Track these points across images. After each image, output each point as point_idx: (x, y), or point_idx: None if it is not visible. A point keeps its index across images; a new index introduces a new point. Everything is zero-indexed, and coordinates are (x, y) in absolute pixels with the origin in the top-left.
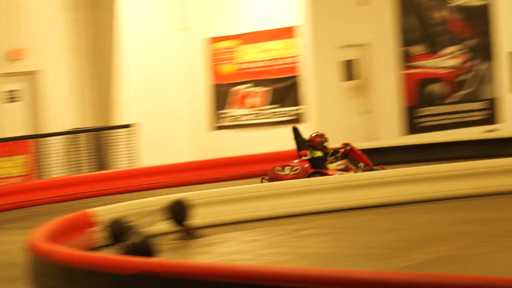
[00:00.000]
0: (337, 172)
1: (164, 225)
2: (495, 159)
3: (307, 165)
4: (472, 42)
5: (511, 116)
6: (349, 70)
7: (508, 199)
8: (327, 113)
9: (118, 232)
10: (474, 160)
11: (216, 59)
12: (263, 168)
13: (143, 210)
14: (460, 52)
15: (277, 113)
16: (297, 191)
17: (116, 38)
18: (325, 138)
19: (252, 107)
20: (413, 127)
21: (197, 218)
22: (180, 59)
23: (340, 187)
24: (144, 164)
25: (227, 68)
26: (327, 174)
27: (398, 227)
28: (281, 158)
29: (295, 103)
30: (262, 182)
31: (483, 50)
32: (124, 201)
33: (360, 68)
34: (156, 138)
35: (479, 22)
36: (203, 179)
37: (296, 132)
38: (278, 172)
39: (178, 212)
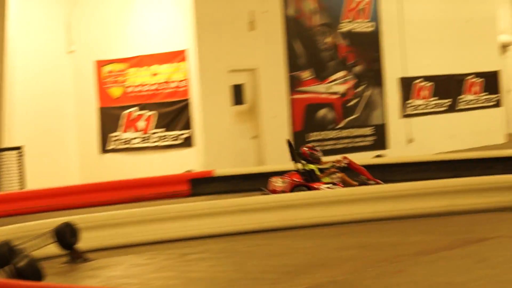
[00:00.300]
0: (324, 186)
1: (52, 249)
2: (381, 184)
3: (295, 178)
4: (361, 68)
5: (399, 141)
6: (238, 94)
7: (393, 225)
8: (216, 137)
9: (5, 255)
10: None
11: (106, 82)
12: (152, 191)
13: (30, 233)
14: (349, 78)
15: (166, 136)
16: (185, 215)
17: (4, 59)
18: (316, 150)
19: (142, 130)
20: None
21: (85, 241)
22: (70, 81)
23: (229, 211)
24: (33, 187)
25: (117, 91)
26: (313, 188)
27: (286, 251)
28: (169, 182)
29: (184, 127)
30: (263, 193)
31: (371, 76)
32: (11, 224)
33: (249, 93)
34: (46, 161)
35: (368, 48)
36: (92, 202)
37: (290, 145)
38: (274, 184)
39: (66, 235)
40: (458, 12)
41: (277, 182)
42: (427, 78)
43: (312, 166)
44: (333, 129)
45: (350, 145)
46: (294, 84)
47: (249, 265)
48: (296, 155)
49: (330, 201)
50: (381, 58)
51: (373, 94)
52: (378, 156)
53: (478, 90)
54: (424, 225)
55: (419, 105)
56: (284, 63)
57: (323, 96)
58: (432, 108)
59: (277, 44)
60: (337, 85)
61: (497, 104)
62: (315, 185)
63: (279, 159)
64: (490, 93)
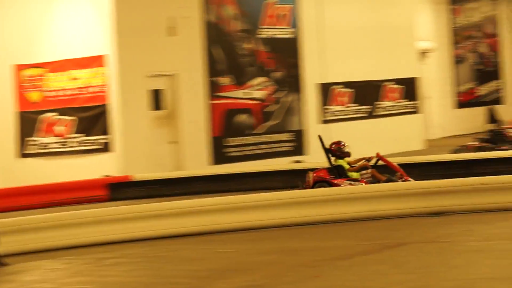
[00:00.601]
0: (346, 182)
1: None
2: (297, 190)
3: (321, 174)
4: (279, 74)
5: (318, 147)
6: (157, 99)
7: (313, 230)
8: (135, 142)
9: None
10: (280, 190)
11: (24, 86)
12: (70, 196)
13: None
14: (267, 83)
15: (85, 141)
16: (103, 219)
17: None
18: (342, 144)
19: (60, 135)
20: (221, 157)
21: (2, 246)
22: None
23: (148, 216)
24: None
25: (35, 95)
26: (334, 184)
27: (204, 256)
28: (87, 186)
29: (103, 131)
30: (298, 188)
31: (290, 82)
32: None
33: (168, 98)
34: None
35: (286, 54)
36: (9, 207)
37: (321, 140)
38: (306, 178)
39: None
40: (378, 19)
41: (308, 177)
42: (346, 85)
43: (340, 162)
44: (253, 134)
45: (269, 150)
46: (213, 89)
47: (166, 270)
48: (327, 151)
49: (250, 206)
50: (300, 64)
51: (292, 100)
52: (296, 161)
53: (397, 96)
54: (344, 230)
55: (338, 111)
56: (203, 68)
57: (242, 101)
58: (352, 114)
59: (196, 50)
60: (256, 90)
61: (416, 111)
62: (337, 181)
63: (197, 164)
64: (409, 100)
